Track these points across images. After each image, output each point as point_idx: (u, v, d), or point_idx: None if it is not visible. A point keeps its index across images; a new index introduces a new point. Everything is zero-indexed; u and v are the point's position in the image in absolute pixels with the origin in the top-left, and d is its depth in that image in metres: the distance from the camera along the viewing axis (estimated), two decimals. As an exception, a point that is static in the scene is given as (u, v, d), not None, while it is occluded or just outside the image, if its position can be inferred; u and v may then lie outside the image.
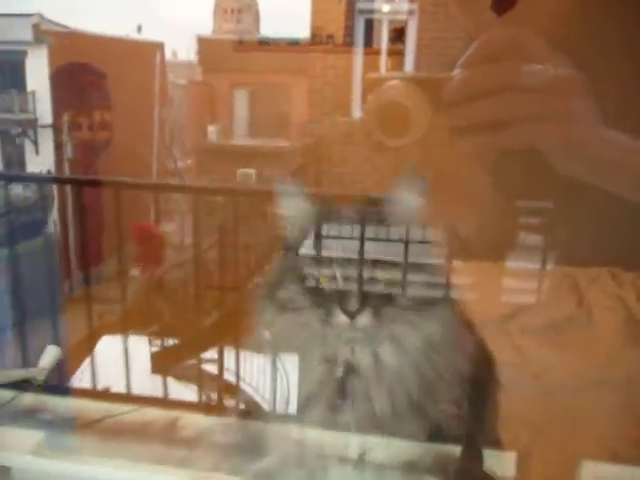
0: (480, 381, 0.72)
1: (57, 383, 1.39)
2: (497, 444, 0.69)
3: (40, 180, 2.14)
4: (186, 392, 1.41)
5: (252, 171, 3.39)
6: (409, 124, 0.54)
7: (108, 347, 1.59)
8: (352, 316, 0.69)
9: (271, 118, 2.96)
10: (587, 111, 0.51)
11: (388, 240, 0.78)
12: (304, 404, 0.75)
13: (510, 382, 0.69)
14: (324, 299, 0.71)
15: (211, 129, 2.79)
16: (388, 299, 0.72)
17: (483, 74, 0.51)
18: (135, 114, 2.60)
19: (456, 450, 0.60)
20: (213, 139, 2.76)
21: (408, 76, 0.53)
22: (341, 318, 0.70)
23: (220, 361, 1.45)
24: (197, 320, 1.50)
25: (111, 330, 1.64)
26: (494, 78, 0.51)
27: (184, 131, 3.62)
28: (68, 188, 2.00)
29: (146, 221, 1.71)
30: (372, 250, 0.72)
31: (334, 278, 0.73)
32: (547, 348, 0.79)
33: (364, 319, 0.70)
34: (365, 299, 0.70)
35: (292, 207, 0.80)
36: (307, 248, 0.76)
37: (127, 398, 1.29)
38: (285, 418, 0.83)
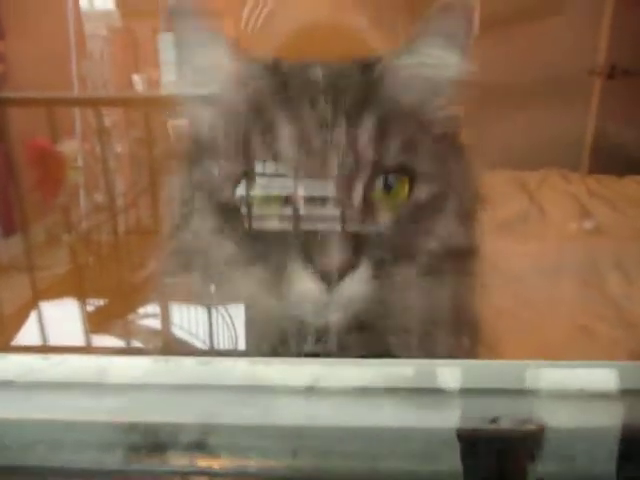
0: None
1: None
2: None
3: None
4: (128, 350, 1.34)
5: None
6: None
7: (45, 312, 1.53)
8: (330, 280, 0.43)
9: (200, 63, 2.79)
10: None
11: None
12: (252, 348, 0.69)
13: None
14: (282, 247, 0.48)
15: (136, 78, 2.60)
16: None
17: None
18: (50, 68, 2.39)
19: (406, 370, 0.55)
20: (139, 89, 2.58)
21: None
22: (308, 284, 0.46)
23: (164, 315, 1.37)
24: (128, 273, 1.41)
25: (47, 296, 1.57)
26: None
27: (109, 85, 3.39)
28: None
29: (41, 138, 1.54)
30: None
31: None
32: (503, 241, 0.77)
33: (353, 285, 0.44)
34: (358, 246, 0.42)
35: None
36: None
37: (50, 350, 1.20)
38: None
